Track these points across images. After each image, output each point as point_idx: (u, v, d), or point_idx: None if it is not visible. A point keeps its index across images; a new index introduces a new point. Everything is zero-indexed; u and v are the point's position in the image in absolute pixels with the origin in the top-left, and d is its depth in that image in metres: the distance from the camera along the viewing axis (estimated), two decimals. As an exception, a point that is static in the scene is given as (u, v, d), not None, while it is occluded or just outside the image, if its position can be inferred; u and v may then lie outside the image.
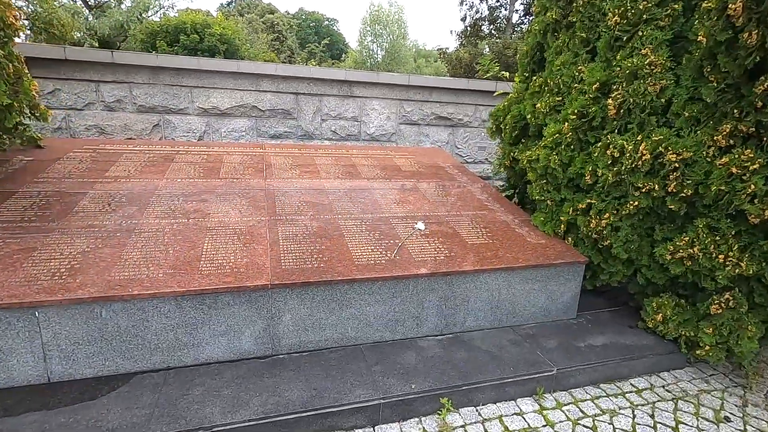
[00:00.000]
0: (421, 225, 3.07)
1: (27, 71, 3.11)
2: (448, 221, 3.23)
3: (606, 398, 2.43)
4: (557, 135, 3.02)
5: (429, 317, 2.67)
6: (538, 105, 3.28)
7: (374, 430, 2.08)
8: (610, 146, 2.71)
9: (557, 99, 3.14)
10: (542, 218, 3.28)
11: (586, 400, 2.41)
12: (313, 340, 2.46)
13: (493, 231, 3.18)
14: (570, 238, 3.13)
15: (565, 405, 2.35)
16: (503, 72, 4.56)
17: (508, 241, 3.06)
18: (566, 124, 2.95)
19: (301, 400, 2.05)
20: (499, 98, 5.75)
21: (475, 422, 2.17)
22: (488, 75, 4.73)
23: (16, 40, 3.02)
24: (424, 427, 2.12)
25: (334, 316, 2.46)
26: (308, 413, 1.99)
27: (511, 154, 3.79)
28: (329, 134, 5.76)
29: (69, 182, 3.13)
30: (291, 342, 2.42)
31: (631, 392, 2.50)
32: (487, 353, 2.54)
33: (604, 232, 2.81)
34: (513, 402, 2.34)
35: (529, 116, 3.42)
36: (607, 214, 2.77)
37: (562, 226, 3.12)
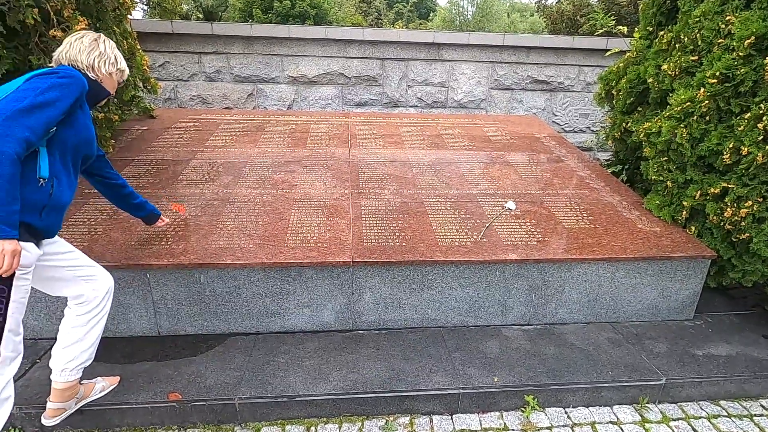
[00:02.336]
0: (511, 204, 2.82)
1: (138, 47, 3.36)
2: (543, 201, 2.93)
3: (727, 419, 2.08)
4: (688, 103, 2.51)
5: (516, 305, 2.48)
6: (665, 66, 2.74)
7: (452, 418, 2.02)
8: (764, 118, 2.18)
9: (692, 59, 2.59)
10: (658, 201, 2.82)
11: (700, 417, 2.08)
12: (393, 319, 2.43)
13: (596, 214, 2.82)
14: (693, 227, 2.66)
15: (674, 420, 2.05)
16: (619, 27, 3.89)
17: (613, 226, 2.69)
18: (702, 89, 2.43)
19: (379, 379, 2.04)
20: (610, 59, 5.01)
21: (563, 425, 1.99)
22: (600, 31, 4.08)
23: (129, 17, 3.26)
24: (505, 423, 2.00)
25: (414, 297, 2.39)
26: (386, 394, 1.98)
27: (623, 124, 3.28)
28: (414, 101, 5.54)
29: (175, 151, 3.39)
30: (371, 319, 2.41)
31: (761, 416, 2.11)
32: (581, 351, 2.30)
33: (743, 223, 2.32)
34: (609, 409, 2.10)
35: (650, 80, 2.89)
36: (750, 202, 2.27)
37: (684, 212, 2.65)
